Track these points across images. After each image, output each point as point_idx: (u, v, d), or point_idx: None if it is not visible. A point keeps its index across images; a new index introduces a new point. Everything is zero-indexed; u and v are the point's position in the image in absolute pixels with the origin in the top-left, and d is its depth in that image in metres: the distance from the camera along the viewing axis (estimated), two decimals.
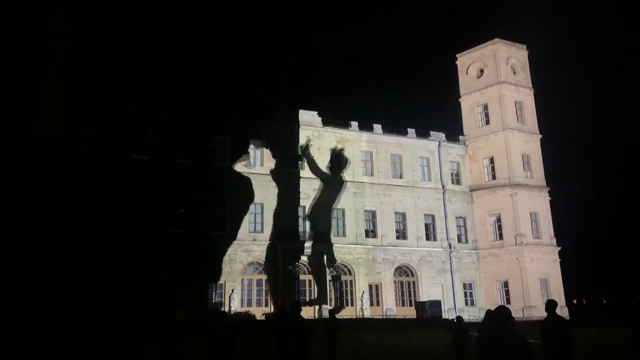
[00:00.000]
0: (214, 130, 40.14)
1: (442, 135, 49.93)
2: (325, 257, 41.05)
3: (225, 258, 38.37)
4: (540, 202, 47.92)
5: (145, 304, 30.71)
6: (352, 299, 42.64)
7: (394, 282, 44.79)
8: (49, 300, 27.36)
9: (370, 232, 45.06)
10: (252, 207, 40.50)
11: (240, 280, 38.88)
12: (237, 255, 38.94)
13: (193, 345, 14.14)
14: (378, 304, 43.38)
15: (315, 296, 40.61)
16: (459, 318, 14.34)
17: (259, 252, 39.66)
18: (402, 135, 47.98)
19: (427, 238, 46.99)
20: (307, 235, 41.25)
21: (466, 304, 46.80)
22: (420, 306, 41.80)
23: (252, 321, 34.86)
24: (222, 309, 35.23)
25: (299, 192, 42.18)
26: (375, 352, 21.24)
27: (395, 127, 48.17)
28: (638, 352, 12.89)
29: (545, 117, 51.81)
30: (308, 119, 44.48)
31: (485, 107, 50.57)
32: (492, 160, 49.22)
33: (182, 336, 11.08)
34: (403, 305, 44.52)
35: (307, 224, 42.07)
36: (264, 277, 39.66)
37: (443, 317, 40.07)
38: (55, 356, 19.07)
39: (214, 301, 37.23)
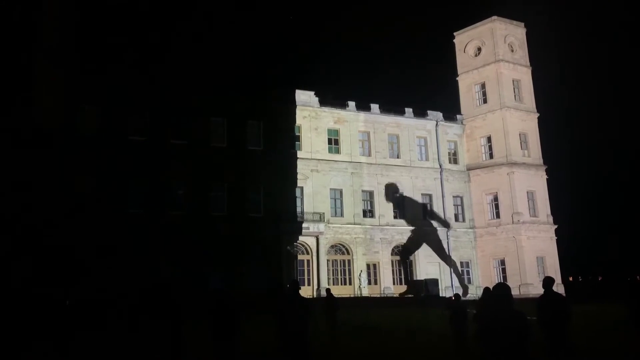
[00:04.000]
0: (211, 111, 39.99)
1: (440, 115, 49.83)
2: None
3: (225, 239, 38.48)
4: (537, 181, 48.08)
5: (145, 285, 30.85)
6: (350, 278, 43.01)
7: (392, 261, 45.11)
8: (48, 282, 27.48)
9: (368, 212, 45.23)
10: (251, 188, 40.47)
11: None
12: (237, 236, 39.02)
13: (195, 325, 14.29)
14: (376, 283, 43.76)
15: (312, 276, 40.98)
16: (457, 295, 14.52)
17: (259, 233, 39.73)
18: (399, 115, 47.88)
19: (424, 217, 47.19)
20: (304, 216, 41.36)
21: (463, 282, 47.21)
22: (417, 285, 42.17)
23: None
24: (224, 289, 35.39)
25: (297, 173, 42.21)
26: (373, 330, 21.48)
27: (392, 106, 48.03)
28: (633, 327, 13.06)
29: (542, 96, 51.73)
30: (305, 99, 44.31)
31: (483, 85, 50.40)
32: (489, 139, 49.23)
33: (183, 315, 11.19)
34: (401, 284, 44.93)
35: (305, 204, 42.17)
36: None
37: (440, 295, 40.47)
38: (58, 342, 19.19)
39: (215, 282, 37.37)
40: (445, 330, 14.76)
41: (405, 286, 44.48)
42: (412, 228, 45.93)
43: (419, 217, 46.79)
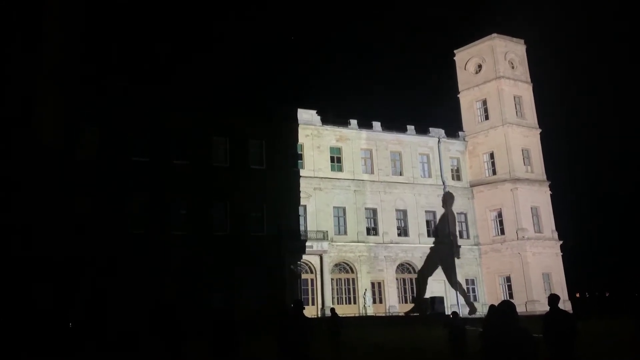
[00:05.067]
0: (213, 131, 40.12)
1: (442, 132, 49.90)
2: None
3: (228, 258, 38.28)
4: (541, 196, 47.89)
5: (146, 306, 30.69)
6: (354, 297, 42.66)
7: (396, 279, 44.78)
8: (50, 303, 27.33)
9: (372, 230, 45.03)
10: (254, 207, 40.40)
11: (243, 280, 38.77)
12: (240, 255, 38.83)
13: (197, 346, 14.14)
14: (381, 302, 43.39)
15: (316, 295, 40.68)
16: (454, 313, 14.42)
17: (262, 252, 39.52)
18: (401, 132, 47.96)
19: (429, 234, 46.97)
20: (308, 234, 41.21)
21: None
22: (423, 303, 41.78)
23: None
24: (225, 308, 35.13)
25: (300, 191, 42.17)
26: (377, 350, 21.23)
27: (394, 124, 48.15)
28: None
29: (544, 111, 51.80)
30: (307, 117, 44.47)
31: (484, 102, 50.54)
32: (492, 156, 49.19)
33: (186, 336, 11.08)
34: (406, 302, 44.53)
35: (308, 222, 42.04)
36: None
37: (446, 313, 40.07)
38: None
39: (216, 301, 37.10)
40: (445, 348, 14.58)
41: (411, 304, 44.09)
42: (416, 245, 45.69)
43: (423, 235, 46.57)
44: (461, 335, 13.08)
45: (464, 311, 43.77)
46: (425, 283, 45.14)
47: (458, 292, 46.09)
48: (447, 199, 47.67)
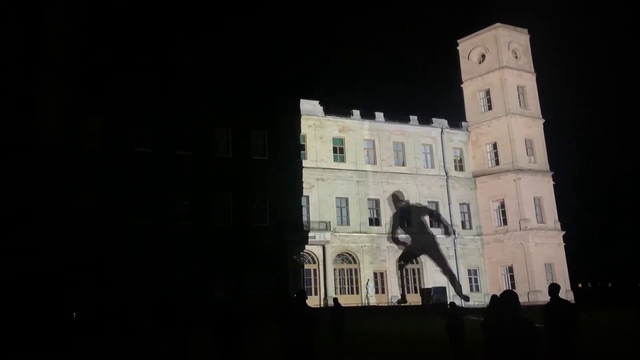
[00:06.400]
0: (215, 122, 40.09)
1: (445, 122, 49.73)
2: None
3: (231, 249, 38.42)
4: (543, 187, 47.81)
5: (149, 298, 30.86)
6: (357, 287, 42.80)
7: (399, 269, 44.84)
8: (53, 295, 27.49)
9: (374, 221, 45.06)
10: (256, 198, 40.46)
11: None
12: (242, 246, 38.96)
13: (202, 338, 14.22)
14: (383, 292, 43.52)
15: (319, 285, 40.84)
16: (452, 304, 14.48)
17: (264, 242, 39.63)
18: (404, 123, 47.83)
19: (431, 225, 46.98)
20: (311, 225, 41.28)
21: (471, 289, 46.88)
22: (425, 293, 41.91)
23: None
24: (228, 299, 35.31)
25: (302, 182, 42.18)
26: (378, 339, 21.34)
27: (397, 114, 47.99)
28: None
29: (548, 101, 51.60)
30: (309, 108, 44.36)
31: (488, 92, 50.32)
32: (495, 146, 49.05)
33: (190, 326, 11.14)
34: (408, 292, 44.64)
35: (311, 213, 42.10)
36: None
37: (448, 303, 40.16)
38: (64, 352, 19.17)
39: (220, 292, 37.27)
40: (443, 339, 14.68)
41: (413, 294, 44.20)
42: (418, 236, 45.70)
43: (426, 225, 46.58)
44: (459, 325, 13.14)
45: (465, 300, 43.87)
46: (427, 273, 45.26)
47: (461, 282, 46.17)
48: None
